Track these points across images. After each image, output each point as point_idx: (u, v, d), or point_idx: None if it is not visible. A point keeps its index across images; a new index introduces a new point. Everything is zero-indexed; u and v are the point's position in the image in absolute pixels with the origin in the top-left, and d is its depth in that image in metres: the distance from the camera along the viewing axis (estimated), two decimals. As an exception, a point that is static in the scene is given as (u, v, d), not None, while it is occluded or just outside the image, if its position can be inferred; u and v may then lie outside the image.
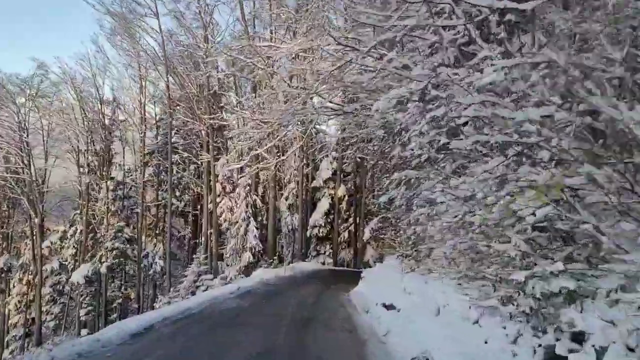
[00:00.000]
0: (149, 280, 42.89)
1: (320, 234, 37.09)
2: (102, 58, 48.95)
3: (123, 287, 41.72)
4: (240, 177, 33.54)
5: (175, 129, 49.34)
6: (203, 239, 38.03)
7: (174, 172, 51.22)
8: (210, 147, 34.57)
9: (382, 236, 23.38)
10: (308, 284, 21.99)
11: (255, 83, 32.06)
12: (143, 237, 46.44)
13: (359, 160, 40.70)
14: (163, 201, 54.21)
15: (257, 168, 29.69)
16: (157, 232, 50.62)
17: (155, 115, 49.32)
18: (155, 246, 47.97)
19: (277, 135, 22.78)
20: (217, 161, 38.27)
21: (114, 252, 37.73)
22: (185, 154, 48.46)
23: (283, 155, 28.60)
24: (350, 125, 21.08)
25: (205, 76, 32.52)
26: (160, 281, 40.95)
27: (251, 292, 18.23)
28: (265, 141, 24.04)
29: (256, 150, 23.54)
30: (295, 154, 38.49)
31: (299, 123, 21.93)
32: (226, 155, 32.99)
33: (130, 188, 49.12)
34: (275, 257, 33.59)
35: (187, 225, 54.98)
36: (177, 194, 52.09)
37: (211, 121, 34.56)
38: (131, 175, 47.15)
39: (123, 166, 48.79)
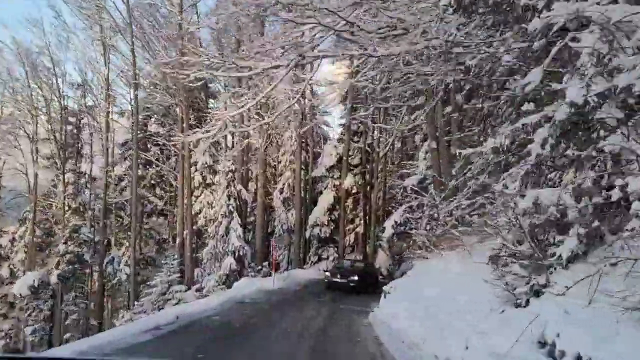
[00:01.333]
0: (114, 291, 35.68)
1: (322, 235, 29.91)
2: (62, 26, 41.11)
3: (82, 300, 34.47)
4: (225, 160, 26.49)
5: (155, 116, 42.67)
6: (178, 240, 30.79)
7: (153, 164, 44.80)
8: (185, 125, 27.46)
9: (412, 231, 16.07)
10: (302, 303, 14.87)
11: (239, 39, 24.91)
12: (112, 240, 39.50)
13: (368, 148, 33.84)
14: (143, 199, 47.65)
15: (241, 146, 22.62)
16: (135, 235, 43.20)
17: (131, 100, 42.34)
18: (127, 250, 40.49)
19: (263, 87, 15.70)
20: (197, 147, 31.41)
21: (68, 257, 30.62)
22: (164, 142, 41.35)
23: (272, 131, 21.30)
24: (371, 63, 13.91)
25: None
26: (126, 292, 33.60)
27: (194, 326, 10.50)
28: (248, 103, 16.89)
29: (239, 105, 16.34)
30: (291, 137, 31.35)
31: (294, 67, 14.84)
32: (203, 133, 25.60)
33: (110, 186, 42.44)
34: (264, 264, 26.46)
35: (168, 227, 47.81)
36: (158, 191, 45.29)
37: (185, 95, 27.60)
38: (108, 169, 40.08)
39: (91, 157, 41.96)
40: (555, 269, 5.63)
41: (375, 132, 33.71)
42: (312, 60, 13.11)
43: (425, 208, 16.26)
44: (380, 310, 12.13)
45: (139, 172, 46.60)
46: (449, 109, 16.95)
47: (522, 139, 7.25)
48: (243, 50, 20.24)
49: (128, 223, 43.19)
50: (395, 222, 17.38)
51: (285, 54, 12.80)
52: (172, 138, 31.76)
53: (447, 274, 10.32)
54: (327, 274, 21.47)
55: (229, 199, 26.04)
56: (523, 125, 6.71)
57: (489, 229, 8.01)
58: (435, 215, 15.58)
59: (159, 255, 45.77)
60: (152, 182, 47.04)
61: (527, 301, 5.67)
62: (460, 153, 11.69)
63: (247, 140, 22.26)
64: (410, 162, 23.09)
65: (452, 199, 15.63)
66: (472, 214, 13.32)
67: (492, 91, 11.35)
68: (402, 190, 18.89)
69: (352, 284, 20.01)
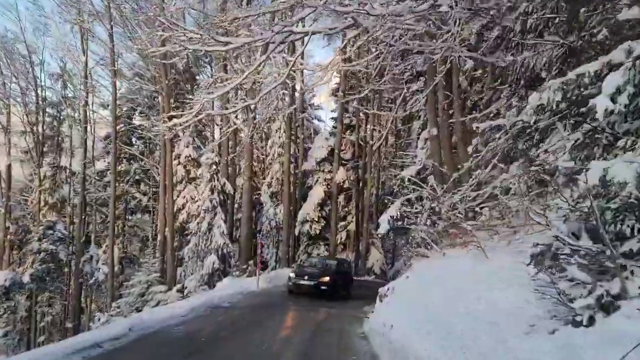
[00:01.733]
0: (94, 291, 33.81)
1: (313, 232, 28.21)
2: (38, 11, 39.19)
3: (61, 301, 32.57)
4: (208, 151, 24.72)
5: (139, 108, 40.83)
6: (159, 238, 28.94)
7: (137, 159, 42.94)
8: (166, 113, 25.47)
9: (411, 226, 14.38)
10: (286, 308, 13.10)
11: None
12: (92, 237, 37.56)
13: (361, 141, 32.19)
14: (127, 195, 45.84)
15: (226, 135, 20.83)
16: (113, 231, 41.21)
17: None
18: (108, 248, 38.59)
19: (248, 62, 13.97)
20: (179, 137, 29.62)
21: (42, 256, 28.72)
22: (150, 136, 39.64)
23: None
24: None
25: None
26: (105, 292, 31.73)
27: (146, 342, 8.42)
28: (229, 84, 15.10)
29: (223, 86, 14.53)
30: (280, 129, 29.63)
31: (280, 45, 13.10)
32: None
33: (91, 181, 40.56)
34: (250, 263, 24.74)
35: (153, 224, 45.95)
36: (142, 187, 43.50)
37: (167, 82, 25.78)
38: (86, 162, 38.17)
39: (71, 151, 40.06)
40: (632, 272, 3.98)
41: (369, 125, 32.08)
42: (301, 37, 11.41)
43: (425, 201, 14.59)
44: (377, 317, 10.42)
45: (123, 167, 44.90)
46: (461, 80, 15.19)
47: (578, 95, 5.57)
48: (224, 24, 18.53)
49: (110, 220, 41.30)
50: (392, 216, 15.68)
51: (271, 29, 11.08)
52: (153, 128, 30.11)
53: (456, 276, 8.65)
54: (292, 274, 17.13)
55: (212, 193, 24.26)
56: (578, 76, 5.04)
57: (537, 216, 6.30)
58: (437, 208, 13.92)
59: (143, 254, 43.86)
60: (137, 177, 45.21)
61: (591, 319, 4.01)
62: (477, 127, 10.02)
63: (231, 128, 20.45)
64: (406, 152, 21.44)
65: (455, 191, 13.99)
66: (482, 206, 11.66)
67: (526, 41, 9.58)
68: (399, 182, 17.24)
69: (322, 288, 16.23)
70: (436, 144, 15.76)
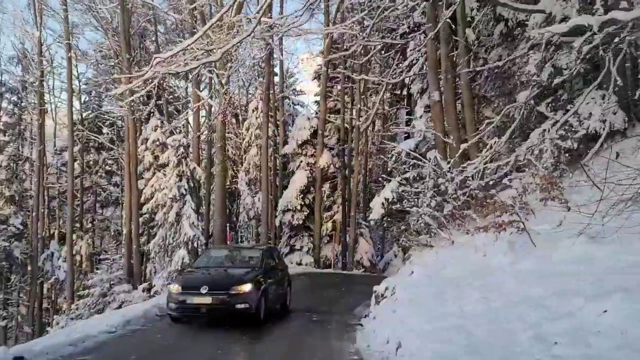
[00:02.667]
0: (54, 292, 30.83)
1: (295, 222, 25.52)
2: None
3: (24, 302, 29.59)
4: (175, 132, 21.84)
5: (107, 93, 37.80)
6: (125, 231, 26.05)
7: (106, 148, 39.96)
8: (125, 65, 22.31)
9: (412, 209, 11.74)
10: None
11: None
12: (56, 233, 34.52)
13: (347, 124, 29.53)
14: (96, 187, 42.82)
15: (193, 110, 17.97)
16: (81, 226, 38.08)
17: (78, 76, 37.24)
18: (75, 245, 35.51)
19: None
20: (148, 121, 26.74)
21: (-8, 253, 25.74)
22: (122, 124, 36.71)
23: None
24: None
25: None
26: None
27: None
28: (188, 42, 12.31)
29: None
30: (257, 108, 26.83)
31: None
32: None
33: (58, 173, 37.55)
34: (224, 257, 22.00)
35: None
36: (115, 178, 40.59)
37: (127, 55, 22.76)
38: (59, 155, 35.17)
39: (30, 138, 36.86)
40: None
41: (356, 105, 29.39)
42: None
43: (427, 179, 11.97)
44: (375, 327, 7.80)
45: (91, 157, 41.82)
46: (468, 32, 12.54)
47: None
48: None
49: (78, 214, 38.25)
50: (386, 199, 13.12)
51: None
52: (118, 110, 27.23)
53: (494, 274, 6.04)
54: (174, 287, 9.33)
55: (181, 180, 21.42)
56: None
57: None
58: (443, 187, 11.33)
59: (117, 251, 40.78)
60: (107, 168, 42.27)
61: None
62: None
63: (199, 103, 17.66)
64: (397, 125, 18.72)
65: (465, 165, 11.40)
66: (510, 179, 9.08)
67: None
68: (394, 157, 14.60)
69: (239, 307, 8.65)
70: (439, 111, 13.15)
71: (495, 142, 10.70)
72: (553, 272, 5.11)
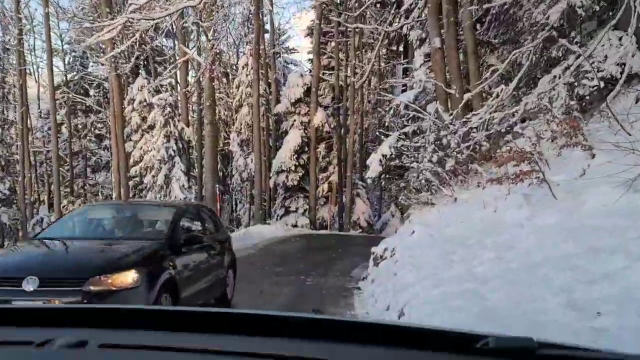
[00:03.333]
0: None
1: (290, 183, 24.77)
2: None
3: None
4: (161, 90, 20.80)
5: (91, 52, 36.59)
6: (114, 195, 25.31)
7: (92, 112, 38.93)
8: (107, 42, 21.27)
9: (413, 165, 10.94)
10: (247, 280, 9.59)
11: None
12: (45, 198, 33.84)
13: (341, 82, 28.43)
14: (86, 151, 42.02)
15: (178, 66, 16.91)
16: (72, 191, 37.35)
17: (61, 35, 35.80)
18: (64, 210, 34.87)
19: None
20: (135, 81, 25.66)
21: (-23, 220, 25.02)
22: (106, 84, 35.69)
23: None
24: None
25: None
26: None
27: None
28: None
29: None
30: (247, 65, 25.72)
31: None
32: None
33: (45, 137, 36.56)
34: (217, 219, 21.36)
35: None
36: (105, 143, 39.70)
37: (107, 8, 21.48)
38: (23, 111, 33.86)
39: (13, 101, 35.73)
40: None
41: (350, 61, 28.22)
42: None
43: (428, 133, 11.13)
44: (373, 291, 7.15)
45: (79, 120, 40.79)
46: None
47: None
48: None
49: (69, 179, 37.47)
50: (384, 155, 12.32)
51: None
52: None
53: (508, 233, 5.30)
54: None
55: (168, 141, 20.62)
56: None
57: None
58: (445, 140, 10.52)
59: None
60: (97, 131, 41.29)
61: None
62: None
63: (185, 57, 16.63)
64: (394, 78, 17.75)
65: (470, 116, 10.57)
66: (522, 127, 8.28)
67: None
68: (392, 110, 13.68)
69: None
70: (439, 59, 12.19)
71: (501, 90, 9.84)
72: (582, 226, 4.37)
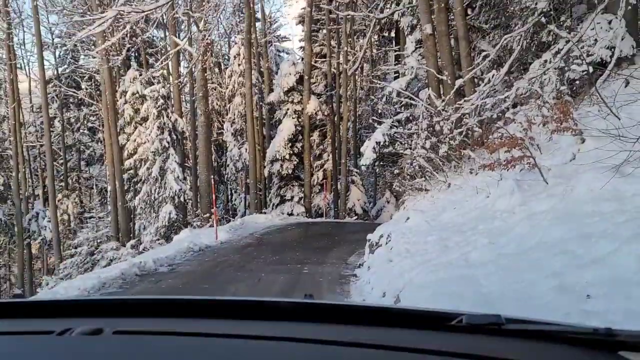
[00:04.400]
0: (44, 252, 30.32)
1: (284, 172, 24.82)
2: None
3: (2, 264, 29.10)
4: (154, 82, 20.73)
5: (83, 45, 36.20)
6: (109, 188, 25.33)
7: (85, 105, 38.70)
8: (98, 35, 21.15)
9: (406, 151, 11.00)
10: (247, 271, 9.66)
11: None
12: (40, 193, 33.68)
13: (334, 69, 28.37)
14: (79, 144, 41.78)
15: (170, 57, 16.89)
16: (66, 185, 37.25)
17: (51, 28, 35.44)
18: (60, 204, 34.81)
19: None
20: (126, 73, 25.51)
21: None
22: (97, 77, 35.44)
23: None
24: None
25: None
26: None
27: None
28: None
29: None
30: (239, 54, 25.63)
31: None
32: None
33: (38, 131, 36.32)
34: (212, 211, 21.41)
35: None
36: (99, 136, 39.53)
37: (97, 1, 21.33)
38: (14, 106, 33.62)
39: (4, 96, 35.49)
40: None
41: (343, 48, 28.13)
42: None
43: (421, 119, 11.20)
44: (369, 277, 7.24)
45: (72, 114, 40.56)
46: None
47: None
48: None
49: (63, 173, 37.35)
50: (378, 142, 12.37)
51: None
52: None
53: (491, 215, 5.39)
54: None
55: (162, 132, 20.57)
56: None
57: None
58: (438, 127, 10.58)
59: (104, 208, 40.24)
60: (90, 124, 41.11)
61: None
62: None
63: (177, 48, 16.58)
64: (386, 64, 17.75)
65: (461, 102, 10.63)
66: (509, 113, 8.36)
67: None
68: (385, 98, 13.73)
69: None
70: (431, 45, 12.19)
71: (493, 75, 9.90)
72: (573, 212, 4.46)
